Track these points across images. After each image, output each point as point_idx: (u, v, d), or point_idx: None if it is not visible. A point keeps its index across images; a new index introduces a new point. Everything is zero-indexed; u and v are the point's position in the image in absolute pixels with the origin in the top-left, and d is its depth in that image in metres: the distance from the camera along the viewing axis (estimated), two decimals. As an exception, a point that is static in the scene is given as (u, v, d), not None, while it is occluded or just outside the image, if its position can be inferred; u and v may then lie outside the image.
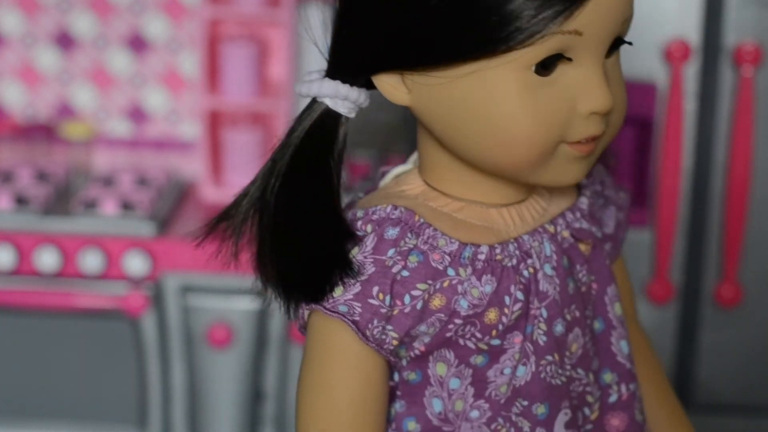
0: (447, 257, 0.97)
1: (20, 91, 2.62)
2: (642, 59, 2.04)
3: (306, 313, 0.99)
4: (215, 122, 2.54)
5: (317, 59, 2.64)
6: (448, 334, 0.98)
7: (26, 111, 2.62)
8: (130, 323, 2.27)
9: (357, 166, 2.62)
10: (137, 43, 2.59)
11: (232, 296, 2.26)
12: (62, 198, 2.41)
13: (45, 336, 2.30)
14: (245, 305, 2.26)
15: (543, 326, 1.00)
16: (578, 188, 1.08)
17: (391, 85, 0.98)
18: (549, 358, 1.00)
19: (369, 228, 0.98)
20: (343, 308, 0.96)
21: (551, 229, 1.02)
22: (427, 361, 1.00)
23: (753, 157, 2.07)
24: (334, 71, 1.01)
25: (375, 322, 0.95)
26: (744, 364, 2.16)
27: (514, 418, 1.01)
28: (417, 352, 0.99)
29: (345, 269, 0.96)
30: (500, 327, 0.98)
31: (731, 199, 2.09)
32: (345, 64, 1.00)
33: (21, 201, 2.32)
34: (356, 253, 0.97)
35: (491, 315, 0.98)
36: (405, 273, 0.96)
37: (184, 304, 2.26)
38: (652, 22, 2.03)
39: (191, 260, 2.24)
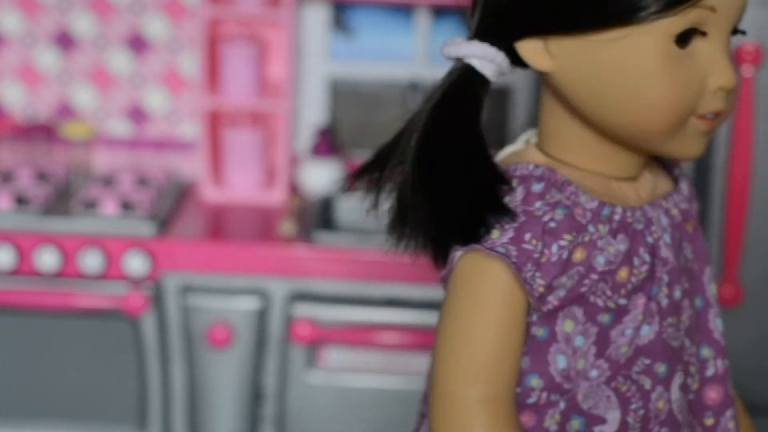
0: (588, 213, 1.03)
1: (20, 91, 2.62)
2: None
3: (457, 255, 1.03)
4: (215, 122, 2.54)
5: (317, 59, 2.64)
6: (583, 289, 1.03)
7: (26, 111, 2.62)
8: (130, 323, 2.27)
9: (357, 166, 2.62)
10: (137, 43, 2.59)
11: (232, 296, 2.26)
12: (62, 198, 2.41)
13: (45, 336, 2.30)
14: (245, 305, 2.26)
15: (665, 289, 1.06)
16: (674, 176, 1.15)
17: (535, 52, 1.02)
18: (669, 320, 1.06)
19: (515, 182, 1.03)
20: (501, 249, 1.00)
21: (665, 204, 1.09)
22: (555, 318, 1.04)
23: (753, 157, 2.07)
24: (483, 34, 1.04)
25: (528, 266, 1.01)
26: (744, 365, 2.16)
27: (635, 376, 1.06)
28: (550, 306, 1.03)
29: (501, 213, 1.01)
30: (629, 286, 1.04)
31: (731, 200, 2.09)
32: (494, 27, 1.03)
33: (21, 201, 2.32)
34: (507, 202, 1.02)
35: (623, 273, 1.04)
36: (553, 224, 1.01)
37: (184, 304, 2.26)
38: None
39: (191, 260, 2.24)
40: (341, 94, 2.65)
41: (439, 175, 1.02)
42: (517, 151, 1.11)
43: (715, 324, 1.14)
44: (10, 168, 2.49)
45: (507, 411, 1.02)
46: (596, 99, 1.01)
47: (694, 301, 1.12)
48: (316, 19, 2.61)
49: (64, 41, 2.59)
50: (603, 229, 1.03)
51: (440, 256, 1.05)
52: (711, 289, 1.14)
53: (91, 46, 2.59)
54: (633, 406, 1.06)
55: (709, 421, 1.12)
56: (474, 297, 1.03)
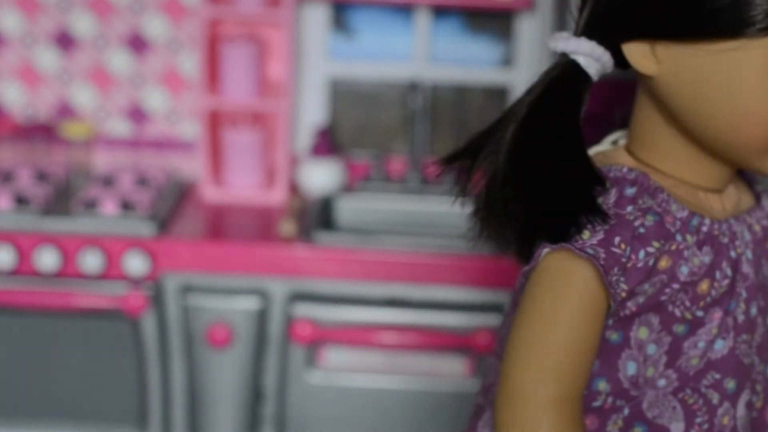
0: (678, 222, 1.02)
1: (20, 91, 2.62)
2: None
3: (544, 251, 1.02)
4: (215, 122, 2.54)
5: (317, 59, 2.64)
6: (663, 298, 1.03)
7: (26, 111, 2.62)
8: (130, 323, 2.27)
9: (357, 166, 2.63)
10: (137, 43, 2.59)
11: (232, 296, 2.26)
12: (62, 198, 2.41)
13: (45, 336, 2.30)
14: (245, 305, 2.26)
15: (743, 305, 1.06)
16: (754, 191, 1.15)
17: (641, 55, 1.02)
18: (744, 336, 1.06)
19: (607, 184, 1.03)
20: (590, 250, 0.99)
21: (749, 220, 1.09)
22: (631, 324, 1.04)
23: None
24: (591, 32, 1.03)
25: (615, 269, 1.00)
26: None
27: (703, 389, 1.05)
28: (628, 311, 1.03)
29: (593, 214, 1.00)
30: (708, 299, 1.04)
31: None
32: (604, 27, 1.03)
33: (21, 201, 2.32)
34: (600, 204, 1.01)
35: (704, 285, 1.03)
36: (642, 230, 1.01)
37: (184, 304, 2.26)
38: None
39: (191, 260, 2.24)
40: (341, 94, 2.65)
41: (535, 169, 1.01)
42: (605, 152, 1.10)
43: None
44: (10, 168, 2.49)
45: (575, 412, 1.02)
46: (697, 108, 1.01)
47: (766, 319, 1.11)
48: (316, 19, 2.61)
49: (64, 41, 2.59)
50: (690, 239, 1.03)
51: (525, 250, 1.04)
52: None
53: (91, 46, 2.59)
54: (698, 420, 1.05)
55: None
56: (558, 296, 1.02)
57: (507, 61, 2.60)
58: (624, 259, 1.00)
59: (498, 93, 2.60)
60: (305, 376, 2.29)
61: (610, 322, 1.04)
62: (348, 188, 2.57)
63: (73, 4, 2.57)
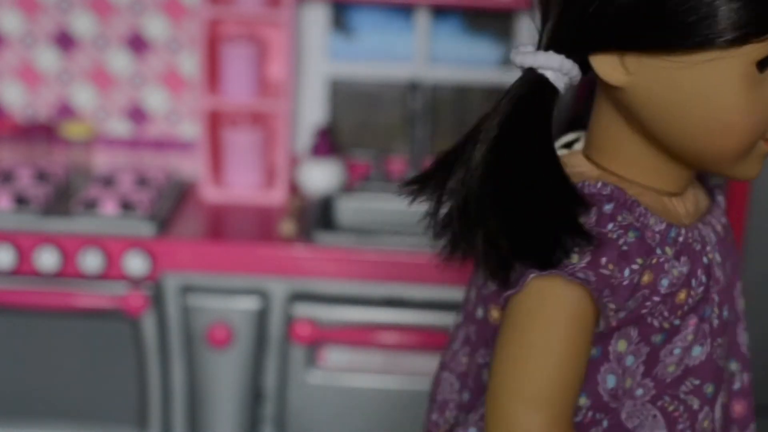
0: (657, 235, 1.01)
1: (20, 91, 2.62)
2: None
3: (530, 276, 0.99)
4: (215, 122, 2.54)
5: (317, 59, 2.63)
6: (643, 311, 1.01)
7: (26, 111, 2.62)
8: (130, 323, 2.27)
9: (357, 166, 2.63)
10: (137, 43, 2.59)
11: (232, 296, 2.26)
12: (62, 198, 2.41)
13: (45, 336, 2.30)
14: (245, 305, 2.26)
15: (716, 310, 1.05)
16: (706, 188, 1.15)
17: (610, 66, 0.99)
18: (719, 340, 1.06)
19: (590, 204, 1.00)
20: (581, 275, 0.97)
21: (712, 220, 1.08)
22: (610, 338, 1.03)
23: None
24: (558, 45, 1.00)
25: (606, 291, 0.98)
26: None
27: (682, 396, 1.05)
28: (607, 327, 1.02)
29: (579, 236, 0.97)
30: (685, 308, 1.03)
31: (731, 200, 2.09)
32: (570, 39, 0.99)
33: (21, 201, 2.32)
34: (583, 224, 0.98)
35: (681, 295, 1.02)
36: (625, 247, 0.99)
37: (184, 304, 2.26)
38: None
39: (191, 260, 2.24)
40: (341, 94, 2.65)
41: (514, 192, 0.97)
42: (562, 158, 1.05)
43: (743, 338, 1.14)
44: (10, 168, 2.49)
45: (568, 430, 1.00)
46: (670, 118, 0.99)
47: (724, 314, 1.11)
48: (316, 19, 2.61)
49: (64, 41, 2.59)
50: (669, 251, 1.01)
51: (503, 272, 1.00)
52: (741, 303, 1.13)
53: (91, 46, 2.59)
54: (680, 426, 1.05)
55: None
56: (549, 322, 0.99)
57: (507, 61, 2.59)
58: (614, 280, 0.98)
59: (498, 93, 2.59)
60: (305, 376, 2.29)
61: (610, 320, 1.02)
62: (348, 188, 2.57)
63: (73, 4, 2.57)
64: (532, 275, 0.98)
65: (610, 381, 1.04)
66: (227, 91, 2.49)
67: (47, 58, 2.60)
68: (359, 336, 2.26)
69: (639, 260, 0.99)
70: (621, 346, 1.03)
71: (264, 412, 2.32)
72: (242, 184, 2.51)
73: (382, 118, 2.65)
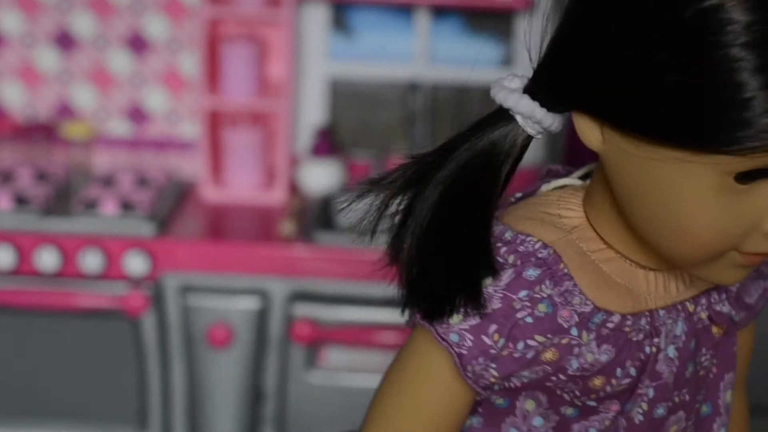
0: (576, 317, 0.93)
1: (20, 91, 2.62)
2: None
3: (416, 321, 0.97)
4: (215, 122, 2.54)
5: (317, 59, 2.62)
6: (548, 384, 0.95)
7: (26, 111, 2.62)
8: (130, 323, 2.27)
9: (357, 166, 2.63)
10: (137, 43, 2.59)
11: (232, 296, 2.26)
12: (62, 198, 2.41)
13: (45, 336, 2.30)
14: (245, 305, 2.26)
15: (644, 406, 0.97)
16: None
17: (588, 127, 0.91)
18: None
19: (511, 259, 0.93)
20: (454, 337, 0.93)
21: (691, 308, 0.98)
22: (518, 394, 0.98)
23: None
24: (536, 90, 0.93)
25: (481, 359, 0.92)
26: (744, 364, 2.16)
27: None
28: (511, 385, 0.96)
29: (472, 299, 0.92)
30: (601, 394, 0.96)
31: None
32: (550, 89, 0.92)
33: (21, 201, 2.32)
34: (488, 284, 0.92)
35: (597, 381, 0.95)
36: (529, 320, 0.92)
37: (184, 304, 2.26)
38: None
39: (191, 260, 2.24)
40: (341, 94, 2.65)
41: (430, 237, 0.94)
42: (563, 192, 1.01)
43: None
44: (10, 168, 2.49)
45: None
46: (634, 204, 0.91)
47: (701, 409, 1.03)
48: (316, 19, 2.61)
49: (64, 41, 2.59)
50: (586, 336, 0.93)
51: (406, 313, 0.99)
52: (726, 397, 1.04)
53: (91, 46, 2.59)
54: None
55: None
56: (411, 377, 0.98)
57: (507, 61, 2.60)
58: (494, 351, 0.91)
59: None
60: (305, 376, 2.29)
61: (496, 387, 0.96)
62: (348, 188, 2.56)
63: (73, 4, 2.57)
64: (417, 320, 0.96)
65: None
66: (227, 91, 2.49)
67: (47, 58, 2.60)
68: (359, 336, 2.26)
69: (539, 338, 0.92)
70: (529, 405, 0.98)
71: (264, 412, 2.32)
72: (242, 184, 2.51)
73: (382, 118, 2.65)
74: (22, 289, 2.26)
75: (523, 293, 0.92)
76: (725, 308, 1.01)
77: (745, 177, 0.85)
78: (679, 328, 0.97)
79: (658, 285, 0.97)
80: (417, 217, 0.95)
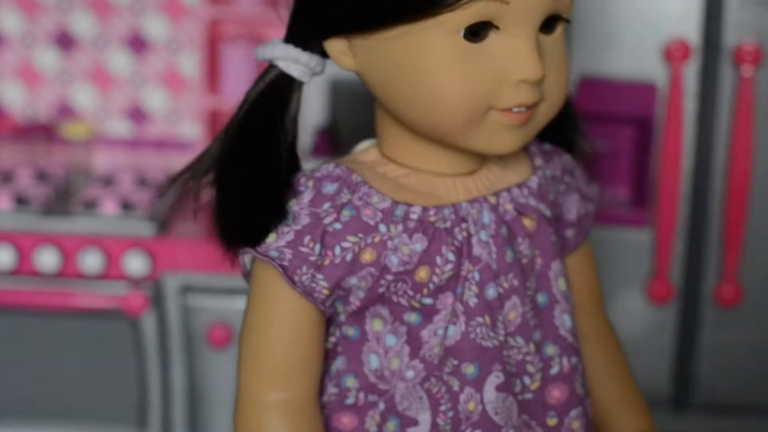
0: (379, 213, 1.02)
1: (20, 91, 2.62)
2: (642, 59, 2.04)
3: (246, 259, 1.07)
4: (215, 122, 2.54)
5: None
6: (381, 290, 1.03)
7: (26, 111, 2.62)
8: (130, 323, 2.27)
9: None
10: (137, 43, 2.59)
11: (232, 296, 2.26)
12: (62, 198, 2.41)
13: (45, 336, 2.30)
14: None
15: (474, 288, 1.04)
16: (534, 169, 1.12)
17: (340, 51, 1.03)
18: (479, 319, 1.05)
19: (310, 183, 1.04)
20: (273, 253, 1.02)
21: (493, 200, 1.07)
22: (364, 317, 1.05)
23: (753, 157, 2.07)
24: (290, 36, 1.05)
25: (304, 269, 1.01)
26: (744, 364, 2.16)
27: (445, 377, 1.05)
28: (353, 307, 1.04)
29: (280, 218, 1.02)
30: (431, 286, 1.03)
31: (731, 199, 2.09)
32: (298, 29, 1.05)
33: (21, 201, 2.32)
34: (293, 205, 1.02)
35: (422, 273, 1.02)
36: (337, 225, 1.01)
37: (184, 304, 2.26)
38: (652, 22, 2.03)
39: (191, 260, 2.24)
40: (341, 94, 2.64)
41: (230, 180, 1.05)
42: (362, 149, 1.13)
43: (562, 320, 1.10)
44: (10, 168, 2.49)
45: (304, 415, 1.04)
46: (394, 96, 1.02)
47: (536, 298, 1.09)
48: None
49: (64, 41, 2.59)
50: (395, 229, 1.02)
51: (233, 258, 1.09)
52: (559, 285, 1.10)
53: (91, 46, 2.59)
54: (442, 408, 1.05)
55: (552, 422, 1.09)
56: (256, 302, 1.06)
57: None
58: (313, 258, 1.01)
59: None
60: (305, 376, 2.29)
61: (343, 317, 1.05)
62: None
63: (73, 4, 2.57)
64: (246, 257, 1.07)
65: (373, 361, 1.05)
66: (227, 91, 2.49)
67: (47, 58, 2.60)
68: (359, 336, 2.26)
69: (352, 238, 1.01)
70: (377, 325, 1.05)
71: (264, 412, 2.32)
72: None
73: (382, 118, 2.65)
74: (21, 289, 2.26)
75: (326, 205, 1.02)
76: (531, 201, 1.09)
77: (473, 34, 0.96)
78: (486, 218, 1.05)
79: (457, 186, 1.06)
80: (222, 171, 1.06)
